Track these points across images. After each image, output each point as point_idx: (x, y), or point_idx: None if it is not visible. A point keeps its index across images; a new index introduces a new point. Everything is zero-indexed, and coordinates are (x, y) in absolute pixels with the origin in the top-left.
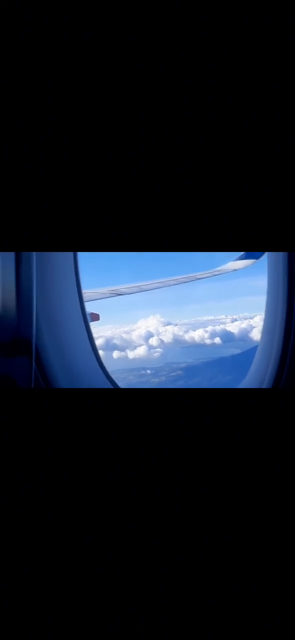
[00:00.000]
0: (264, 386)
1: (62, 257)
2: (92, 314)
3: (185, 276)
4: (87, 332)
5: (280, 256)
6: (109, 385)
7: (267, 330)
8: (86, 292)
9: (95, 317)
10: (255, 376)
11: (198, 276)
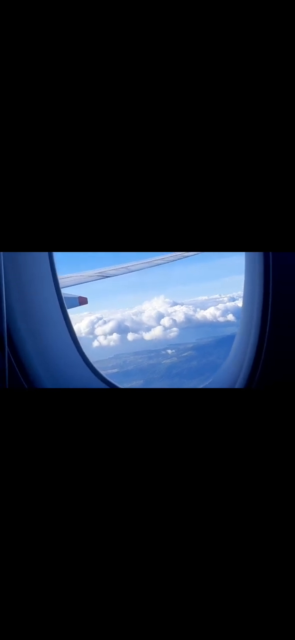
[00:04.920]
0: (241, 375)
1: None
2: (80, 297)
3: (173, 254)
4: (65, 321)
5: (256, 255)
6: (88, 372)
7: (244, 322)
8: (72, 276)
9: (84, 300)
10: (232, 363)
11: (185, 254)
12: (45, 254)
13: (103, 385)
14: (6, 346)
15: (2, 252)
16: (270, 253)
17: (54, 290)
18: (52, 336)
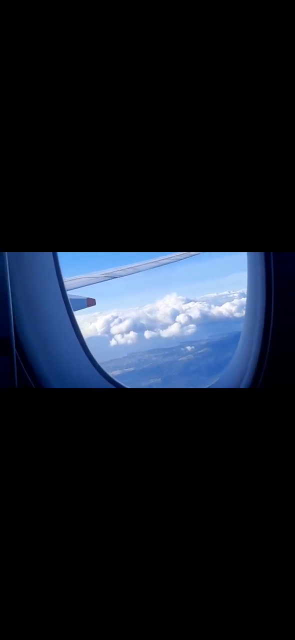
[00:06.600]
0: (246, 376)
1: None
2: (88, 299)
3: (179, 253)
4: (71, 321)
5: (257, 255)
6: (95, 373)
7: (248, 320)
8: (80, 278)
9: (92, 302)
10: (238, 362)
11: (192, 253)
12: (50, 255)
13: (109, 385)
14: (14, 348)
15: (7, 256)
16: (272, 252)
17: (59, 292)
18: (58, 337)
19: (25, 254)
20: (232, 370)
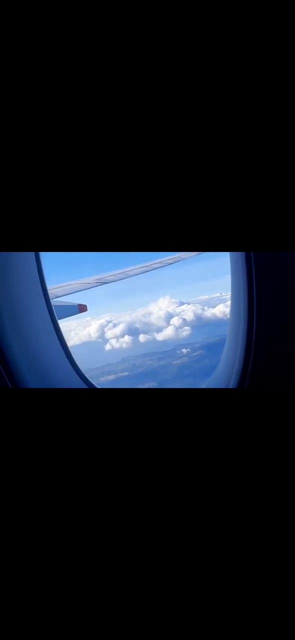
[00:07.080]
0: (233, 377)
1: (24, 256)
2: (79, 305)
3: (170, 257)
4: (54, 328)
5: (239, 257)
6: (77, 379)
7: (232, 323)
8: (71, 284)
9: (83, 308)
10: (224, 367)
11: (182, 256)
12: (34, 263)
13: None
14: None
15: None
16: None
17: (44, 301)
18: (42, 347)
19: (8, 264)
20: (220, 375)
